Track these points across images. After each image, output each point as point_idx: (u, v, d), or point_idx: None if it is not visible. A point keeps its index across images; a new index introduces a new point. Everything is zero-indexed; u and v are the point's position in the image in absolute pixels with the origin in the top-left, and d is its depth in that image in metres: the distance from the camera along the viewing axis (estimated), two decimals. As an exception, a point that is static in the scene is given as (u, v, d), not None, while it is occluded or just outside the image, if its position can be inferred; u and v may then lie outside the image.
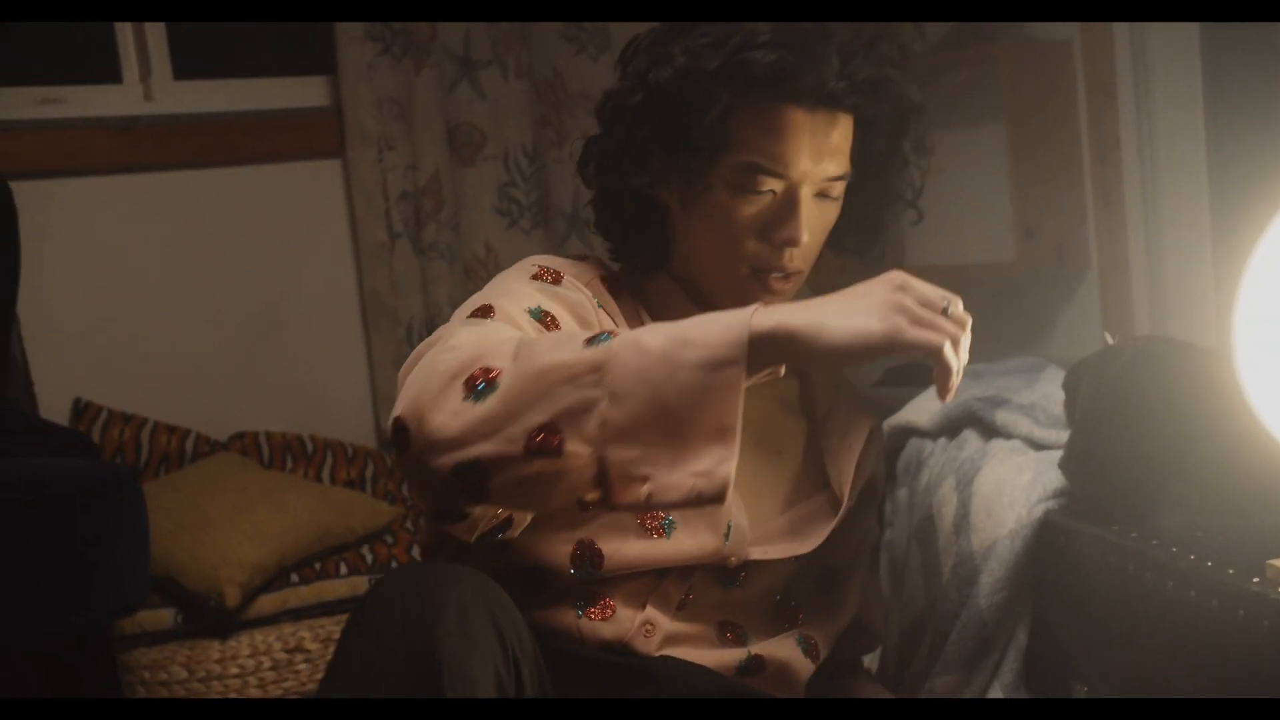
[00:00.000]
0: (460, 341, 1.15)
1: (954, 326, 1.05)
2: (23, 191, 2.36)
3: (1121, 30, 2.86)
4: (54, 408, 2.61)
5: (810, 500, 1.46)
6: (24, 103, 2.73)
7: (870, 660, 1.72)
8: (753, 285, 1.34)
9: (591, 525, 1.33)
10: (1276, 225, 1.29)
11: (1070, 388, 1.60)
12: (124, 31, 2.85)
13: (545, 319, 1.29)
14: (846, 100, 1.29)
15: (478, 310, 1.27)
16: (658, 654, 1.35)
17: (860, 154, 1.35)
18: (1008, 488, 1.59)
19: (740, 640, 1.40)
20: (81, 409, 2.62)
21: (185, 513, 2.31)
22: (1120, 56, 2.88)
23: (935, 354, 1.04)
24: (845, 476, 1.47)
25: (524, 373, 1.05)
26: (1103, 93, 2.91)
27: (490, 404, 1.04)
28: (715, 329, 1.04)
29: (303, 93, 2.99)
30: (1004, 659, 1.59)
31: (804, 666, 1.42)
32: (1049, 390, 1.72)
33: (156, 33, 2.85)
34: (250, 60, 3.13)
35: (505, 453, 1.04)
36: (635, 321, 1.40)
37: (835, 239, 1.40)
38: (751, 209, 1.31)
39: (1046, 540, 1.55)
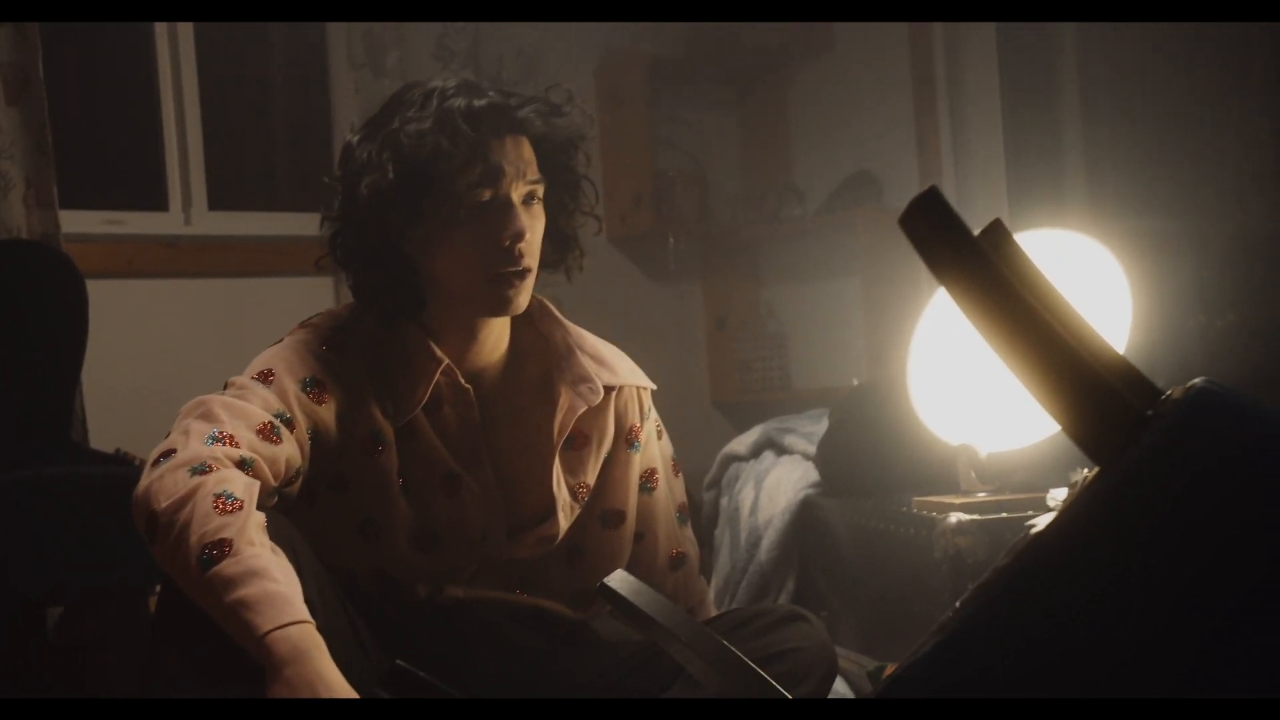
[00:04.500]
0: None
1: None
2: (92, 288, 2.95)
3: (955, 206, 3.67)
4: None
5: (562, 481, 1.69)
6: (95, 222, 3.33)
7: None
8: (497, 288, 1.59)
9: (378, 545, 1.62)
10: (932, 304, 2.06)
11: (829, 416, 2.35)
12: (172, 172, 3.49)
13: (318, 387, 1.57)
14: (523, 126, 1.59)
15: (259, 374, 1.56)
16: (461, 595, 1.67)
17: (544, 168, 1.62)
18: (784, 482, 2.32)
19: (527, 589, 1.70)
20: (121, 456, 3.26)
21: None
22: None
23: None
24: (583, 464, 1.70)
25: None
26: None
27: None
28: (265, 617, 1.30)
29: (306, 224, 3.48)
30: (778, 600, 2.29)
31: (571, 614, 1.72)
32: (824, 424, 2.47)
33: (197, 173, 3.51)
34: (267, 197, 3.80)
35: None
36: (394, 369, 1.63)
37: (541, 255, 1.64)
38: (480, 222, 1.57)
39: (808, 515, 2.28)
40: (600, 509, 1.75)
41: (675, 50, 4.12)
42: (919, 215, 0.99)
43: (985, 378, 1.84)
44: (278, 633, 1.29)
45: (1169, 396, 0.96)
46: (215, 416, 1.49)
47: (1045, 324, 0.98)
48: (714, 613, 1.86)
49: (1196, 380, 0.93)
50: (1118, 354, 1.20)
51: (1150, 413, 0.96)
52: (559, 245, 1.70)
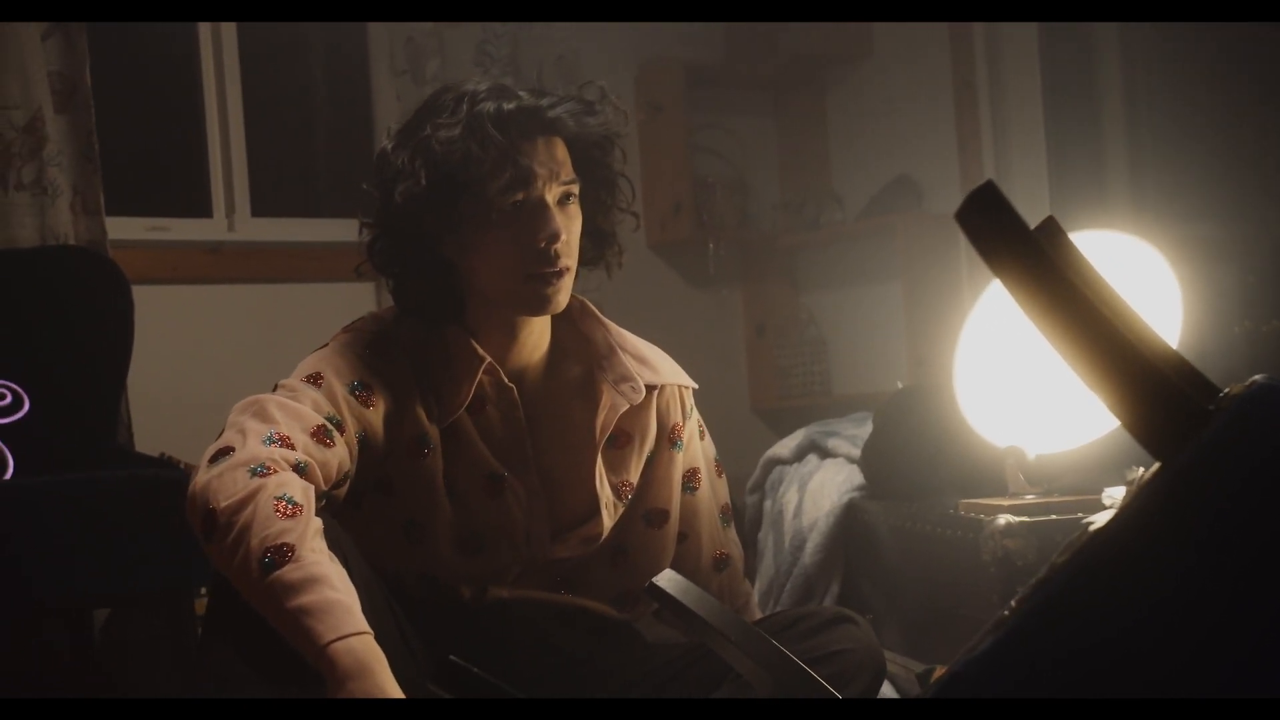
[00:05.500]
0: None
1: None
2: (137, 294, 2.97)
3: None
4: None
5: (605, 480, 1.69)
6: (139, 229, 3.36)
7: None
8: (534, 288, 1.59)
9: (423, 547, 1.62)
10: (979, 307, 2.05)
11: (874, 419, 2.35)
12: (216, 179, 3.53)
13: (366, 390, 1.57)
14: (556, 127, 1.59)
15: (308, 377, 1.55)
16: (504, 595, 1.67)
17: (579, 167, 1.62)
18: (828, 485, 2.31)
19: (570, 590, 1.70)
20: (165, 460, 3.29)
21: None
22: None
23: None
24: (625, 463, 1.71)
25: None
26: (979, 259, 3.66)
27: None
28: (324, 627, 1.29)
29: (348, 230, 3.63)
30: (822, 603, 2.29)
31: (614, 613, 1.73)
32: (867, 427, 2.46)
33: (240, 180, 3.55)
34: (310, 203, 3.84)
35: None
36: (436, 369, 1.63)
37: (580, 252, 1.65)
38: (515, 225, 1.57)
39: (852, 518, 2.27)
40: (644, 508, 1.75)
41: (714, 56, 4.13)
42: (976, 210, 0.98)
43: (1033, 380, 1.82)
44: (340, 644, 1.29)
45: (1229, 393, 0.95)
46: (271, 417, 1.49)
47: (1104, 319, 0.97)
48: (759, 615, 1.85)
49: (1257, 376, 0.93)
50: (1175, 351, 1.19)
51: (1211, 408, 0.95)
52: (597, 243, 1.71)
